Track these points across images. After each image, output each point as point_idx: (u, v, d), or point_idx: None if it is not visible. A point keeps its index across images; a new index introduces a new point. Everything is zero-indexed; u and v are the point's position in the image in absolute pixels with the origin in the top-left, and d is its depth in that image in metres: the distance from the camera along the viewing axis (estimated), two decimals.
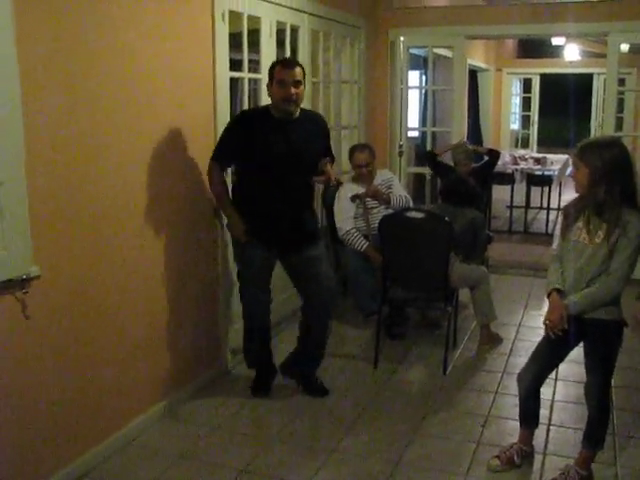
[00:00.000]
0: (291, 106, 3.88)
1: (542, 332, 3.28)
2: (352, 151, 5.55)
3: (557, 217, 9.44)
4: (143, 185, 3.68)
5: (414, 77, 10.24)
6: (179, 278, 4.07)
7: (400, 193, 5.56)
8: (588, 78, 14.43)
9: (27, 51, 2.87)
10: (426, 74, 9.66)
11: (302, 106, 4.03)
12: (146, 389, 3.85)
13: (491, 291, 5.18)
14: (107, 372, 3.53)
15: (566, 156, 10.71)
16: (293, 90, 3.82)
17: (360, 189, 5.45)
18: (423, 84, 10.55)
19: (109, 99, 3.39)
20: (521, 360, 4.71)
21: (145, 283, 3.77)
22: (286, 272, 4.26)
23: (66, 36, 3.09)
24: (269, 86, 3.94)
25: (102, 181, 3.39)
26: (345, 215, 5.40)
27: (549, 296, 3.20)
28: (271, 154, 3.91)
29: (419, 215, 4.82)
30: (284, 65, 3.91)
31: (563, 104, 16.53)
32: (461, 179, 5.78)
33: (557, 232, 3.37)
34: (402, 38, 7.05)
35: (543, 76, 14.60)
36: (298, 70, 3.86)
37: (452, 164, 6.67)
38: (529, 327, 5.58)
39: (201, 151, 4.13)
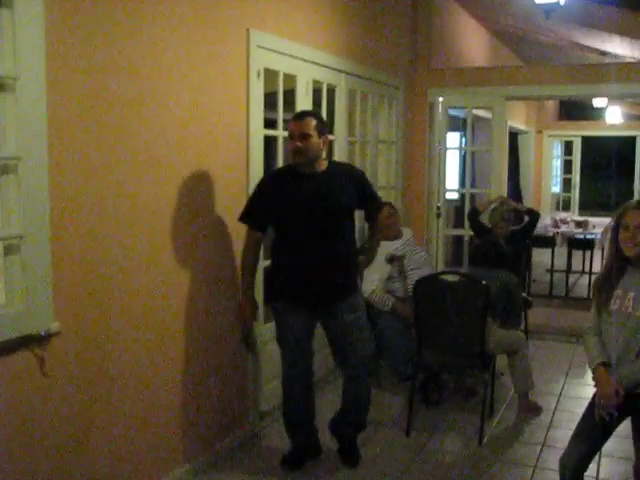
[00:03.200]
0: (301, 158, 3.76)
1: (585, 403, 3.09)
2: None
3: None
4: (170, 243, 3.62)
5: (454, 138, 10.20)
6: (204, 334, 3.95)
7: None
8: (631, 141, 14.31)
9: (57, 101, 2.86)
10: (465, 135, 9.61)
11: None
12: (165, 453, 3.70)
13: (529, 358, 4.98)
14: (124, 434, 3.40)
15: (609, 219, 10.50)
16: (298, 143, 3.72)
17: (389, 245, 5.31)
18: (462, 145, 10.52)
19: (139, 149, 3.36)
20: (562, 433, 4.51)
21: (168, 340, 3.67)
22: (325, 335, 4.09)
23: (97, 83, 3.08)
24: None
25: (126, 236, 3.33)
26: (370, 277, 5.17)
27: (594, 372, 3.02)
28: (295, 208, 3.82)
29: (455, 278, 4.69)
30: (294, 118, 3.82)
31: (605, 167, 16.40)
32: (490, 241, 5.58)
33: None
34: (441, 98, 7.02)
35: (585, 138, 14.48)
36: (306, 122, 3.74)
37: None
38: (570, 397, 5.34)
39: (231, 208, 4.07)
